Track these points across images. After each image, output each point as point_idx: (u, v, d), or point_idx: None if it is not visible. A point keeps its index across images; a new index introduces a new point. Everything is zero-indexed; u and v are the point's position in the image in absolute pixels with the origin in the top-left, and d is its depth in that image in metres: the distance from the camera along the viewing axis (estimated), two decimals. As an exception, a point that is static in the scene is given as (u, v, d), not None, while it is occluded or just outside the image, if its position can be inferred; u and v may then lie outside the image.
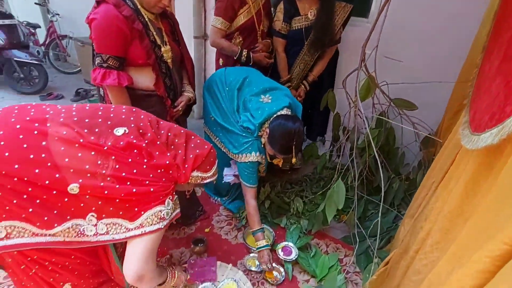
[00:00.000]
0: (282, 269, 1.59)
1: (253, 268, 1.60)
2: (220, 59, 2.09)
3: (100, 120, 0.96)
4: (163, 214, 0.96)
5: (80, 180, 0.85)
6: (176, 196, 1.04)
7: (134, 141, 0.94)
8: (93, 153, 0.88)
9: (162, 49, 1.35)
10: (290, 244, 1.71)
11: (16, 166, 0.80)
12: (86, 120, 0.93)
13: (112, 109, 1.02)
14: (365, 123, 1.53)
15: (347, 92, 1.88)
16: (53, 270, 0.98)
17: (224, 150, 1.74)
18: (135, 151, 0.95)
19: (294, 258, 1.63)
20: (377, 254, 1.42)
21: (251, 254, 1.69)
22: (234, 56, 1.93)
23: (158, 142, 1.00)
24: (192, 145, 1.09)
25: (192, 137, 1.13)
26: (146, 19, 1.30)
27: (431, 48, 1.99)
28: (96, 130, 0.92)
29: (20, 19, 4.33)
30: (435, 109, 1.97)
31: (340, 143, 2.14)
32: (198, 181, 1.11)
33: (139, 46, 1.27)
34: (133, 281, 0.95)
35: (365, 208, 1.91)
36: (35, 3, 4.72)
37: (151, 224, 0.94)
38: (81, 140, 0.88)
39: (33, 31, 4.61)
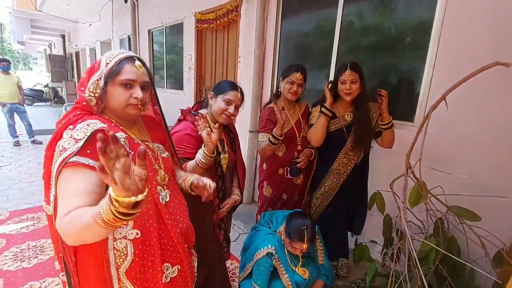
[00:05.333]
0: None
1: None
2: (264, 164, 2.25)
3: None
4: (62, 146, 0.83)
5: None
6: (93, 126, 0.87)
7: None
8: None
9: (221, 155, 1.59)
10: None
11: None
12: None
13: None
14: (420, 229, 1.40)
15: (395, 194, 1.80)
16: None
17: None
18: None
19: None
20: None
21: None
22: (270, 146, 1.93)
23: None
24: None
25: None
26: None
27: (493, 154, 1.88)
28: None
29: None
30: (508, 221, 1.72)
31: (394, 247, 1.92)
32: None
33: None
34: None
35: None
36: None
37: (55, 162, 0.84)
38: None
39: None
